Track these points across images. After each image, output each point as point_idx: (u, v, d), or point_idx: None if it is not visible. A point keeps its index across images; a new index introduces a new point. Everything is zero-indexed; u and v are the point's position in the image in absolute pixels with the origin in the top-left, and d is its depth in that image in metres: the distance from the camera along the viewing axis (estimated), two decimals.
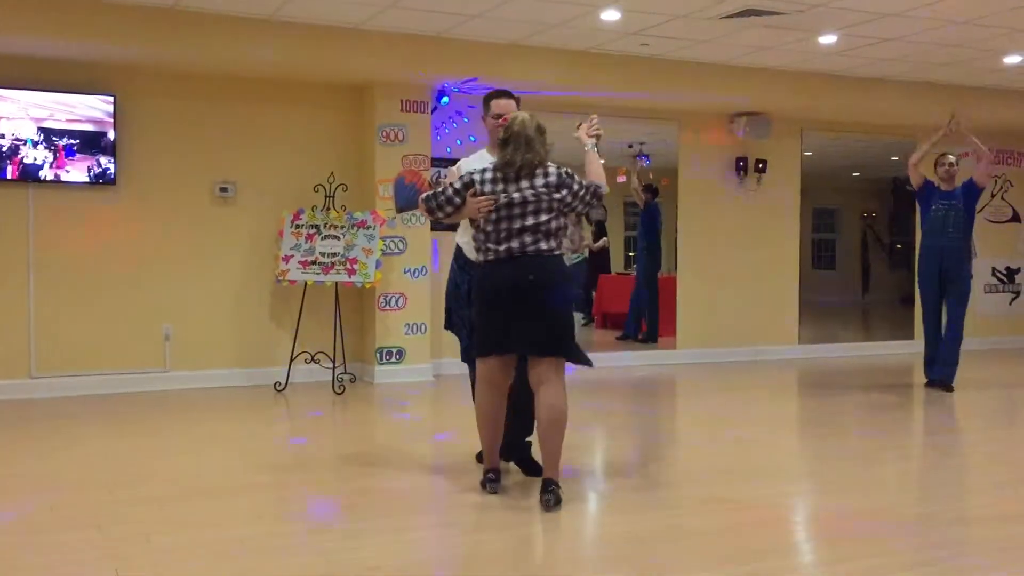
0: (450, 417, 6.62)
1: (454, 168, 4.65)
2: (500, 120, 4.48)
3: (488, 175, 4.17)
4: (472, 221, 4.28)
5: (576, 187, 4.19)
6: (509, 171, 4.13)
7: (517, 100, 4.68)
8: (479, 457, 4.67)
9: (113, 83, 7.33)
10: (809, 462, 5.44)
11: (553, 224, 4.15)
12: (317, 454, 5.45)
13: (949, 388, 7.52)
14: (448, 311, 4.79)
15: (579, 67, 7.98)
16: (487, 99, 4.70)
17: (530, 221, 4.11)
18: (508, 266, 4.13)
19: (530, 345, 4.16)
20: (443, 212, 4.25)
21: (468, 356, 4.63)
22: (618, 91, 8.30)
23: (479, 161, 4.53)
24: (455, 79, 7.83)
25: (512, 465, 4.70)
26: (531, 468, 4.61)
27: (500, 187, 4.13)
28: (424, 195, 4.29)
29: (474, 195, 4.16)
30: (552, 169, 4.17)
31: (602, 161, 4.40)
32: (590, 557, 3.73)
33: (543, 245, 4.12)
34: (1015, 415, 7.24)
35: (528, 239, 4.10)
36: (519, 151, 4.11)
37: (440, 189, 4.27)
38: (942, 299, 7.67)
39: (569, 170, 4.22)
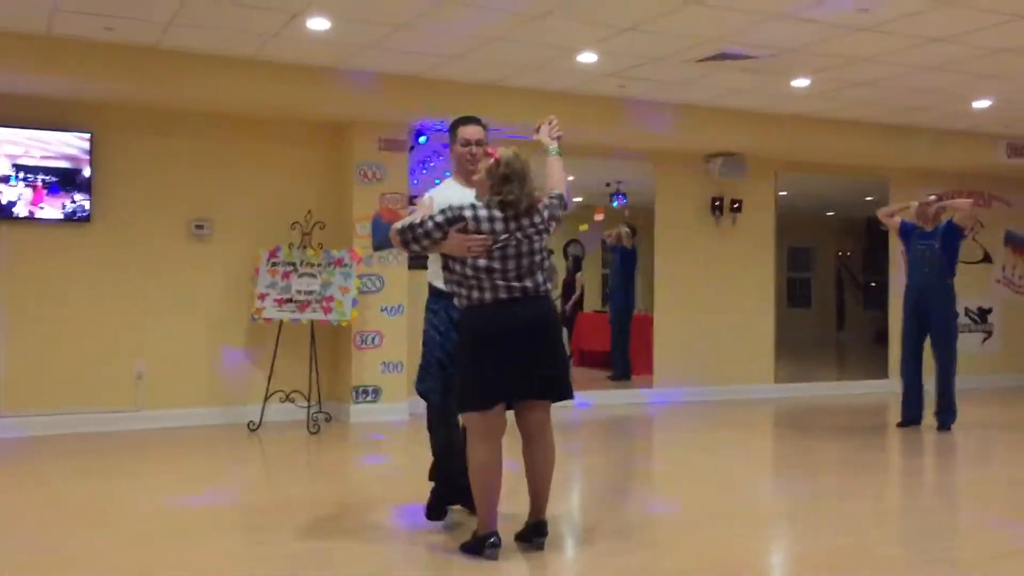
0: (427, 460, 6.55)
1: (424, 199, 4.38)
2: (470, 149, 4.35)
3: (483, 213, 3.89)
4: (448, 257, 3.99)
5: (555, 208, 4.07)
6: (512, 210, 3.91)
7: (484, 127, 4.50)
8: (432, 474, 4.56)
9: (90, 120, 7.30)
10: (786, 502, 5.43)
11: (546, 260, 4.05)
12: (291, 495, 5.38)
13: (947, 428, 7.59)
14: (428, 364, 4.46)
15: (557, 107, 7.98)
16: (454, 126, 4.52)
17: (537, 259, 3.97)
18: (526, 306, 3.92)
19: (545, 390, 3.98)
20: (419, 245, 3.96)
21: (430, 394, 4.39)
22: (595, 131, 8.36)
23: (450, 190, 4.35)
24: (434, 119, 7.87)
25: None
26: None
27: (500, 226, 3.89)
28: (398, 226, 3.99)
29: (462, 231, 3.88)
30: (543, 202, 4.05)
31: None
32: None
33: (548, 286, 4.02)
34: (989, 456, 7.27)
35: (540, 278, 3.97)
36: (522, 189, 3.91)
37: (417, 221, 3.95)
38: (923, 339, 7.73)
39: (541, 196, 4.07)
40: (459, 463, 4.40)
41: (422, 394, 4.46)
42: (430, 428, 4.54)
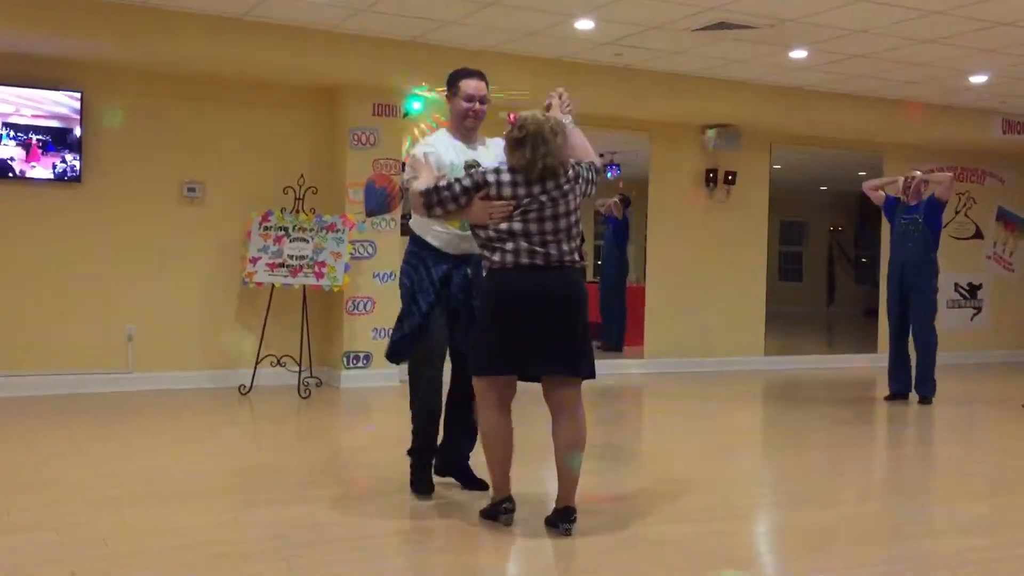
0: None
1: (418, 154, 4.19)
2: (473, 106, 4.22)
3: (506, 178, 3.80)
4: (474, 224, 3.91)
5: (584, 171, 3.93)
6: (531, 173, 3.79)
7: (487, 82, 4.33)
8: (410, 452, 4.45)
9: (80, 79, 7.23)
10: (773, 473, 5.47)
11: (576, 226, 3.88)
12: (280, 460, 5.39)
13: (927, 401, 7.65)
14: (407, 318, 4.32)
15: (552, 75, 7.97)
16: (455, 78, 4.30)
17: (562, 224, 3.81)
18: (545, 276, 3.80)
19: (562, 365, 3.84)
20: (443, 209, 3.85)
21: (402, 351, 4.34)
22: (591, 100, 8.31)
23: (443, 146, 4.25)
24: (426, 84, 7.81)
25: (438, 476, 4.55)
26: (474, 482, 4.48)
27: (523, 191, 3.79)
28: (420, 187, 3.88)
29: (485, 198, 3.80)
30: (569, 164, 3.89)
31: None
32: (555, 567, 3.71)
33: (577, 256, 3.88)
34: (975, 429, 7.33)
35: (565, 247, 3.81)
36: (537, 151, 3.75)
37: (443, 184, 3.85)
38: (906, 312, 7.78)
39: (566, 158, 3.91)
40: (465, 438, 4.44)
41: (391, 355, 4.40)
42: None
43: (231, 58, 7.16)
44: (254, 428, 6.64)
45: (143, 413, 6.66)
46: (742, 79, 8.61)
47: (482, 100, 4.28)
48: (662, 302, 9.64)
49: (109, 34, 6.66)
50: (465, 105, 4.25)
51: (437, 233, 4.27)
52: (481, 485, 4.41)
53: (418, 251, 4.34)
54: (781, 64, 7.98)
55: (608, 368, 9.49)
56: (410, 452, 4.48)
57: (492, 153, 4.32)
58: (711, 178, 9.72)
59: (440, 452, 4.53)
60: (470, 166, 4.17)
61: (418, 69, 7.56)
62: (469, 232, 4.09)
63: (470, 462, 4.56)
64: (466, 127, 4.30)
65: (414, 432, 4.44)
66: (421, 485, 4.40)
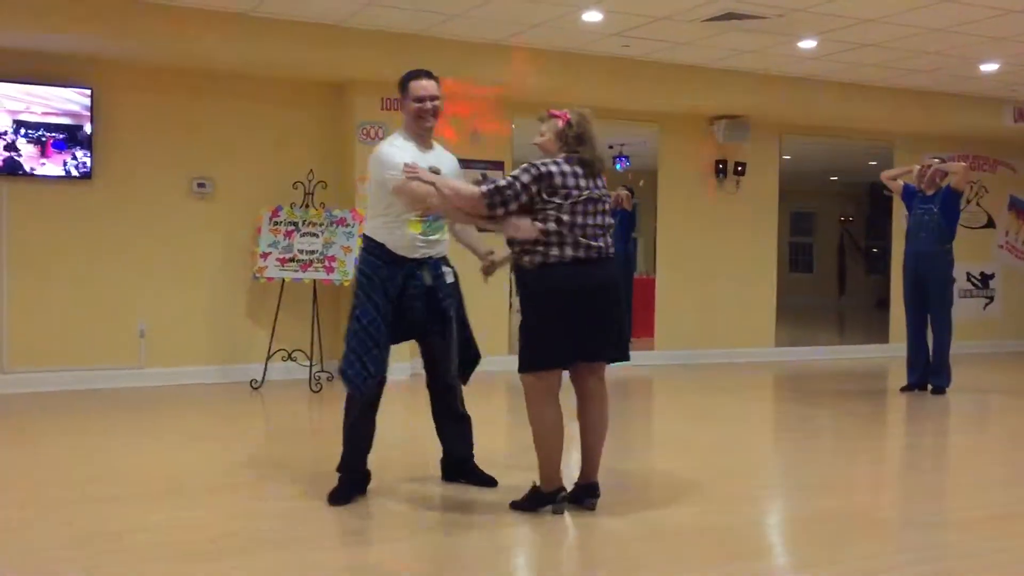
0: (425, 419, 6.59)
1: (379, 155, 4.13)
2: (424, 105, 4.14)
3: (567, 168, 3.89)
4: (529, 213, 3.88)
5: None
6: (593, 167, 3.96)
7: (438, 80, 4.28)
8: (341, 467, 4.31)
9: (90, 76, 7.25)
10: (786, 464, 5.46)
11: (612, 224, 4.08)
12: (293, 454, 5.41)
13: (941, 391, 7.63)
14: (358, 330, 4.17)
15: (560, 67, 7.98)
16: (404, 81, 4.26)
17: (608, 220, 4.01)
18: (598, 268, 3.93)
19: (615, 351, 4.03)
20: (506, 208, 3.86)
21: (354, 375, 4.20)
22: (599, 92, 8.30)
23: (398, 147, 4.13)
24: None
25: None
26: (483, 478, 4.46)
27: (584, 183, 3.91)
28: (482, 190, 3.87)
29: (550, 185, 3.84)
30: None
31: None
32: (570, 558, 3.72)
33: (612, 249, 4.03)
34: (989, 419, 7.31)
35: (608, 240, 4.00)
36: (597, 147, 3.97)
37: (504, 183, 3.87)
38: (923, 303, 7.74)
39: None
40: (463, 436, 4.40)
41: (350, 379, 4.22)
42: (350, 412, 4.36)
43: (239, 54, 7.17)
44: (266, 422, 6.66)
45: (155, 408, 6.69)
46: (751, 70, 8.58)
47: (433, 99, 4.20)
48: (672, 294, 9.63)
49: (119, 31, 6.69)
50: (415, 106, 4.19)
51: (400, 237, 4.16)
52: (490, 481, 4.42)
53: (373, 259, 4.20)
54: (790, 54, 7.95)
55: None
56: (340, 468, 4.33)
57: (445, 159, 4.31)
58: (720, 169, 9.69)
59: (444, 459, 4.55)
60: (433, 171, 4.09)
61: (427, 63, 7.52)
62: (432, 236, 4.19)
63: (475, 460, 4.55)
64: (423, 128, 4.22)
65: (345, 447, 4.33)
66: (340, 497, 4.21)
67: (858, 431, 6.41)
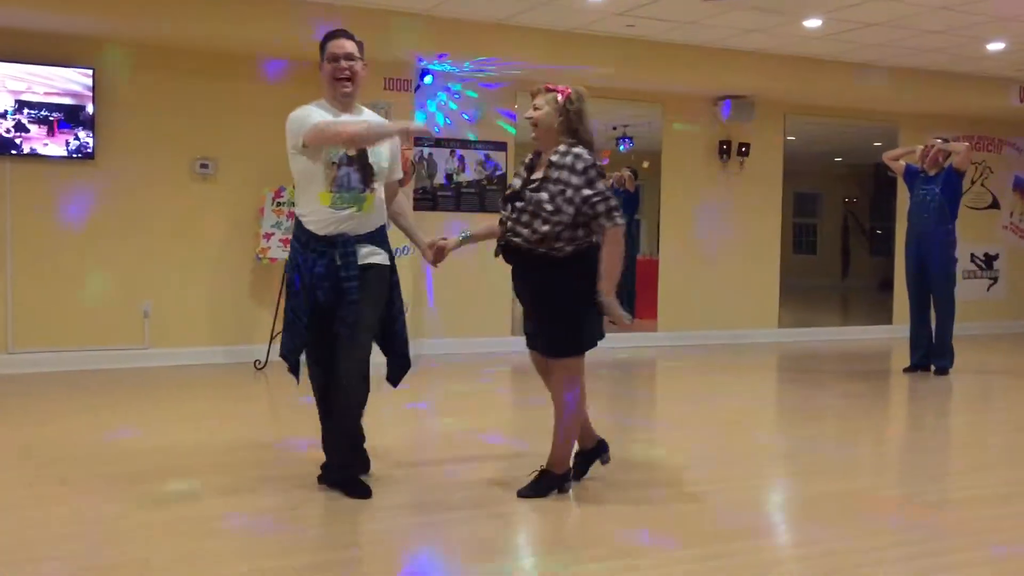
0: (428, 399, 6.62)
1: (288, 120, 3.97)
2: (338, 64, 3.86)
3: (592, 155, 3.83)
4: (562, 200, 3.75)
5: None
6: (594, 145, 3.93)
7: (360, 44, 3.92)
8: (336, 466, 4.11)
9: (92, 57, 7.23)
10: (788, 444, 5.47)
11: None
12: (296, 434, 5.43)
13: (944, 372, 7.65)
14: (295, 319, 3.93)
15: (564, 47, 7.94)
16: (322, 43, 3.95)
17: None
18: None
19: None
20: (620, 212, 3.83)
21: (293, 355, 4.01)
22: (603, 72, 8.27)
23: (316, 114, 3.93)
24: (438, 57, 7.79)
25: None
26: (361, 491, 3.98)
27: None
28: (612, 205, 3.78)
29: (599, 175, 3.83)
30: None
31: None
32: (563, 536, 3.74)
33: None
34: (991, 400, 7.31)
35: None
36: (589, 132, 3.89)
37: (609, 193, 3.82)
38: (925, 284, 7.73)
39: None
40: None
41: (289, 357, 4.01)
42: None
43: (240, 33, 7.14)
44: (270, 403, 6.68)
45: (160, 388, 6.71)
46: (755, 49, 8.54)
47: (348, 57, 3.87)
48: (676, 275, 9.62)
49: (121, 11, 6.66)
50: (329, 66, 3.87)
51: (312, 212, 3.91)
52: (365, 494, 3.97)
53: (294, 242, 4.02)
54: (795, 34, 7.91)
55: (621, 341, 9.49)
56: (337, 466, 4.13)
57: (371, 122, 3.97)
58: (724, 150, 9.66)
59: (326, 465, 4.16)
60: None
61: (429, 43, 7.52)
62: (345, 211, 3.85)
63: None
64: (341, 92, 3.90)
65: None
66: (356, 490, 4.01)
67: (861, 412, 6.41)
